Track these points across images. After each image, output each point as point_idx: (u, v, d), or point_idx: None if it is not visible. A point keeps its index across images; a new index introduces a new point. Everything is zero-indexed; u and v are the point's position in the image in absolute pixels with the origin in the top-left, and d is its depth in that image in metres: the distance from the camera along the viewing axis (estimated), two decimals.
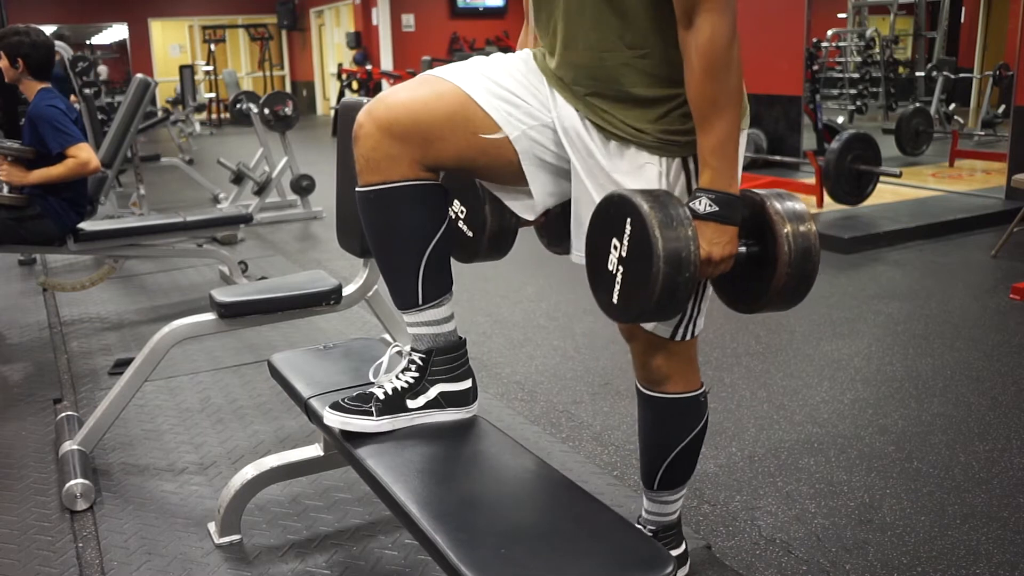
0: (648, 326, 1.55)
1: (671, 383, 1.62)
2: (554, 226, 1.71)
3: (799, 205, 1.40)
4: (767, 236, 1.38)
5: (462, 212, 1.76)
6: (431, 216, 1.54)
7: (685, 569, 1.84)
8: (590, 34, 1.42)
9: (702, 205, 1.36)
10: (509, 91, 1.50)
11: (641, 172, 1.44)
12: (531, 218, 1.62)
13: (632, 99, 1.43)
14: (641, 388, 1.67)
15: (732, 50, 1.34)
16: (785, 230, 1.36)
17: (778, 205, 1.39)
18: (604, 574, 1.21)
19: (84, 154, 3.48)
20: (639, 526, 1.80)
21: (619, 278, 1.37)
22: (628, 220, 1.33)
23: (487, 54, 1.62)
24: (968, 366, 3.11)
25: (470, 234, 1.74)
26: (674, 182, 1.46)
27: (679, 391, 1.63)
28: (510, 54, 1.59)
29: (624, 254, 1.35)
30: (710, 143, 1.37)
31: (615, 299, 1.38)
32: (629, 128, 1.44)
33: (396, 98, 1.49)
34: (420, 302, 1.56)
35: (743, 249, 1.40)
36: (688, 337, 1.58)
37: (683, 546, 1.82)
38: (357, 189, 1.55)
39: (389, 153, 1.48)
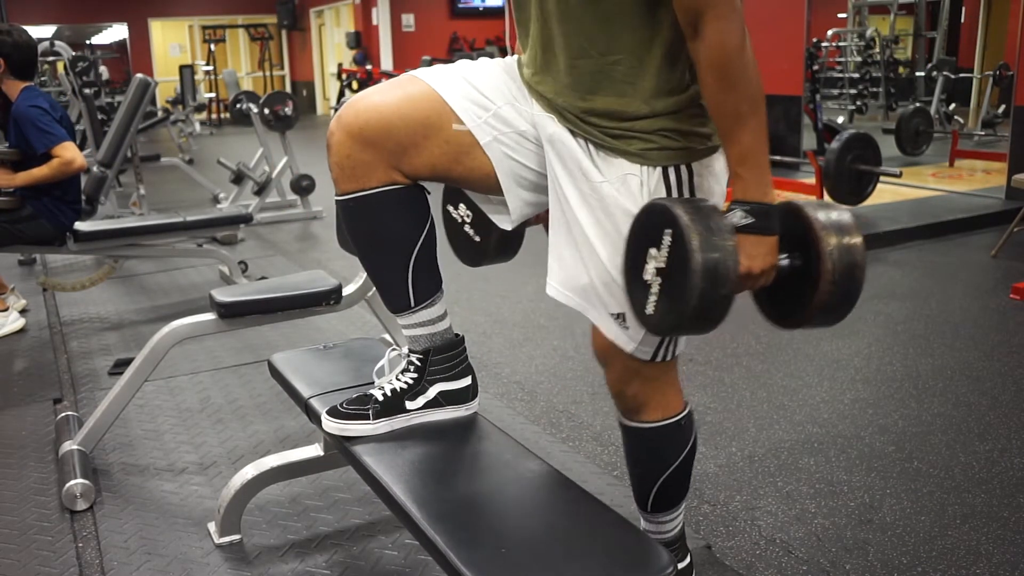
0: (628, 347, 1.48)
1: (650, 411, 1.56)
2: None
3: (845, 216, 1.34)
4: (810, 249, 1.32)
5: (468, 216, 1.73)
6: (414, 218, 1.53)
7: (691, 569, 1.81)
8: (569, 42, 1.37)
9: (737, 217, 1.31)
10: (485, 96, 1.46)
11: (625, 183, 1.39)
12: (509, 228, 1.57)
13: (609, 110, 1.38)
14: (621, 419, 1.62)
15: (744, 55, 1.27)
16: (829, 243, 1.29)
17: (821, 216, 1.33)
18: (604, 574, 1.21)
19: (68, 153, 3.47)
20: None
21: (654, 289, 1.32)
22: (667, 230, 1.29)
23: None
24: (968, 366, 3.11)
25: (477, 239, 1.72)
26: (654, 191, 1.40)
27: (659, 419, 1.56)
28: (495, 59, 1.55)
29: (662, 265, 1.30)
30: (737, 153, 1.31)
31: (649, 311, 1.34)
32: (608, 138, 1.39)
33: (366, 103, 1.45)
34: (412, 304, 1.56)
35: (784, 262, 1.35)
36: (668, 358, 1.52)
37: (688, 559, 1.77)
38: (336, 198, 1.52)
39: (362, 160, 1.45)
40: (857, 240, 1.31)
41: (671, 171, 1.40)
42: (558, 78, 1.41)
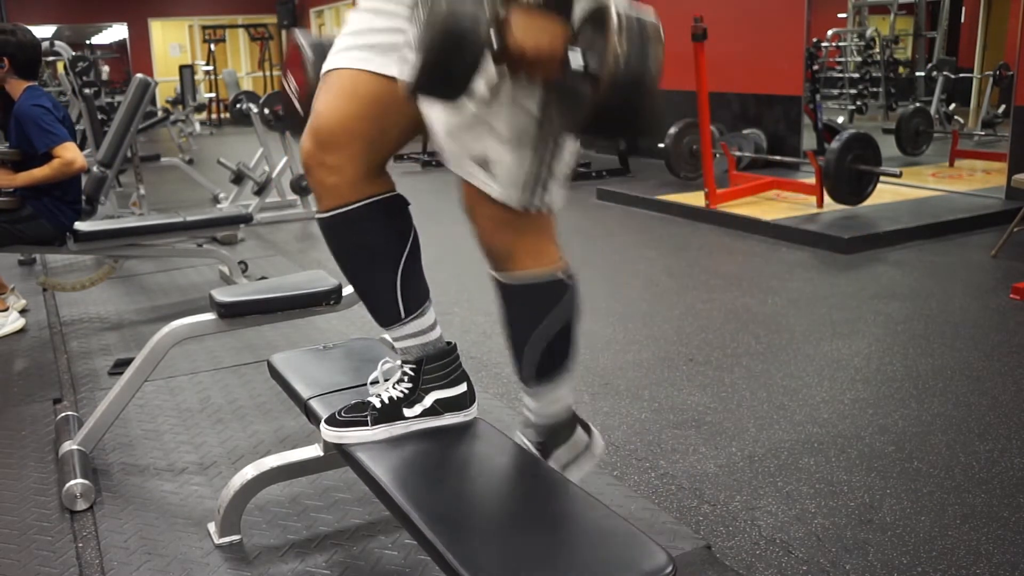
0: (495, 193, 1.40)
1: (522, 259, 1.48)
2: None
3: (648, 18, 1.23)
4: (601, 49, 1.20)
5: (296, 90, 1.68)
6: (397, 228, 1.53)
7: (595, 438, 1.75)
8: None
9: None
10: (394, 30, 1.40)
11: None
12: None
13: None
14: (492, 272, 1.54)
15: None
16: (619, 38, 1.17)
17: (622, 9, 1.20)
18: (603, 574, 1.21)
19: (69, 154, 3.48)
20: (523, 439, 1.65)
21: (411, 38, 1.23)
22: None
23: None
24: (968, 366, 3.11)
25: (303, 113, 1.61)
26: None
27: (531, 269, 1.48)
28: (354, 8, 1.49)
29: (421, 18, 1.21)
30: None
31: (408, 70, 1.23)
32: None
33: (323, 119, 1.44)
34: (402, 316, 1.56)
35: (574, 56, 1.23)
36: (541, 207, 1.44)
37: (591, 431, 1.73)
38: (317, 216, 1.51)
39: (343, 175, 1.44)
40: (652, 41, 1.20)
41: None
42: None
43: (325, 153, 1.44)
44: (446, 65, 1.19)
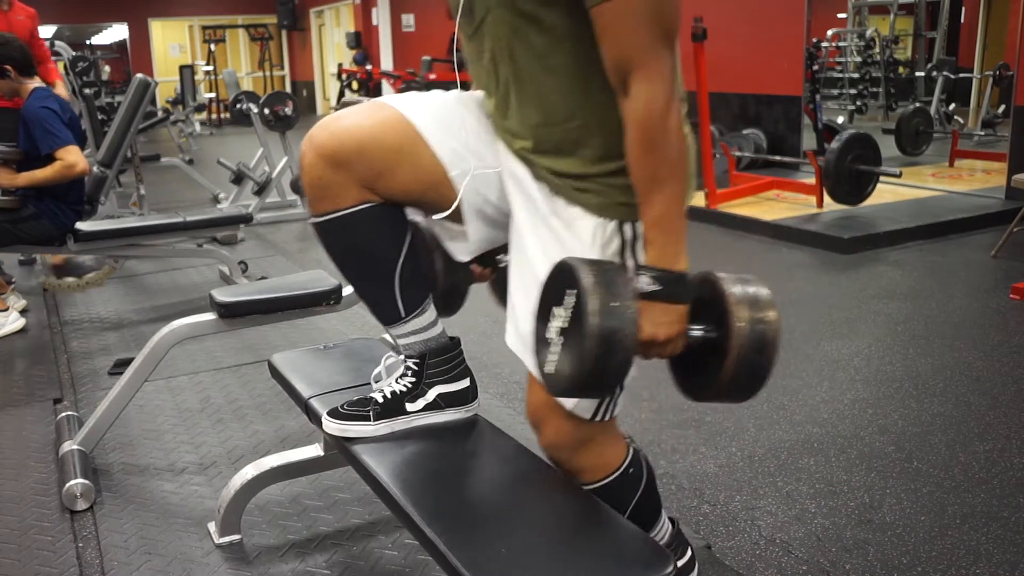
0: (568, 404, 1.44)
1: (588, 473, 1.50)
2: (504, 284, 1.61)
3: (762, 291, 1.30)
4: (722, 322, 1.28)
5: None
6: (394, 231, 1.51)
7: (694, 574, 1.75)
8: (527, 101, 1.35)
9: (644, 282, 1.27)
10: (457, 128, 1.45)
11: (573, 226, 1.37)
12: (466, 259, 1.56)
13: (572, 172, 1.36)
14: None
15: (669, 119, 1.24)
16: (740, 317, 1.26)
17: (736, 289, 1.28)
18: (604, 574, 1.21)
19: (71, 157, 3.49)
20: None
21: (554, 348, 1.28)
22: (570, 290, 1.25)
23: None
24: (968, 366, 3.11)
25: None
26: (607, 242, 1.37)
27: (601, 478, 1.50)
28: (451, 92, 1.52)
29: (564, 325, 1.27)
30: (651, 217, 1.29)
31: (548, 369, 1.30)
32: (570, 190, 1.37)
33: (340, 125, 1.44)
34: (403, 314, 1.55)
35: (696, 333, 1.31)
36: (607, 417, 1.47)
37: (689, 552, 1.73)
38: (311, 220, 1.51)
39: (335, 181, 1.43)
40: (770, 316, 1.27)
41: (626, 226, 1.38)
42: (522, 131, 1.39)
43: (322, 156, 1.42)
44: (601, 373, 1.23)
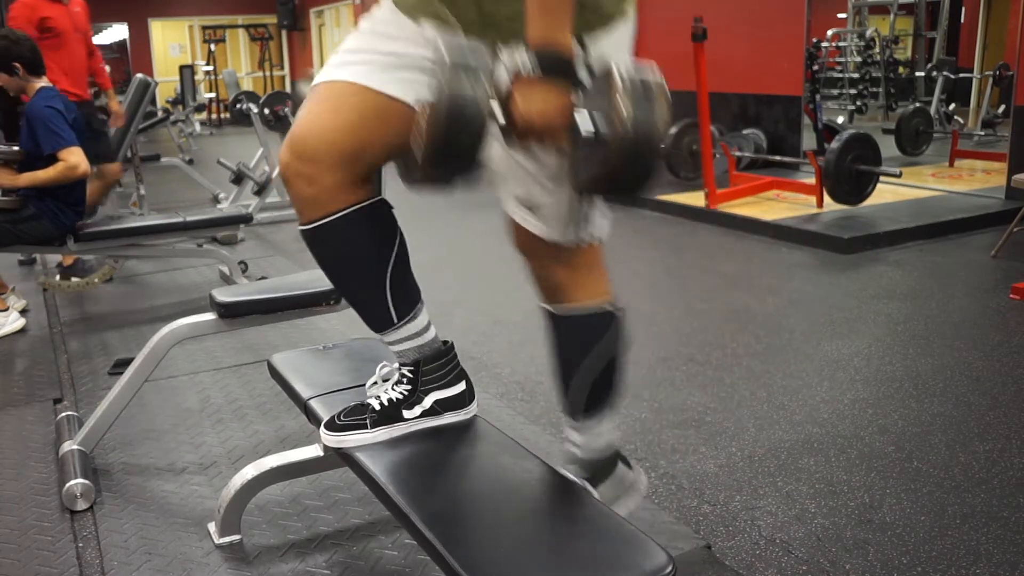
0: (542, 232, 1.44)
1: (571, 293, 1.51)
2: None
3: (652, 77, 1.23)
4: (609, 114, 1.22)
5: None
6: (383, 234, 1.52)
7: (639, 475, 1.75)
8: None
9: (518, 60, 1.23)
10: (393, 54, 1.42)
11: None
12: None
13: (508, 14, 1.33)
14: (544, 305, 1.58)
15: None
16: (624, 100, 1.19)
17: (624, 72, 1.22)
18: (603, 573, 1.21)
19: (73, 158, 3.49)
20: (568, 472, 1.62)
21: (422, 125, 1.25)
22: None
23: None
24: (968, 366, 3.11)
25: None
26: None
27: (581, 301, 1.51)
28: (374, 11, 1.49)
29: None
30: None
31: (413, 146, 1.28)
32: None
33: (304, 129, 1.43)
34: (395, 320, 1.55)
35: (582, 120, 1.25)
36: (589, 240, 1.48)
37: (634, 467, 1.73)
38: (300, 228, 1.50)
39: (323, 185, 1.43)
40: (656, 100, 1.21)
41: None
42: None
43: (302, 163, 1.42)
44: (453, 143, 1.22)
